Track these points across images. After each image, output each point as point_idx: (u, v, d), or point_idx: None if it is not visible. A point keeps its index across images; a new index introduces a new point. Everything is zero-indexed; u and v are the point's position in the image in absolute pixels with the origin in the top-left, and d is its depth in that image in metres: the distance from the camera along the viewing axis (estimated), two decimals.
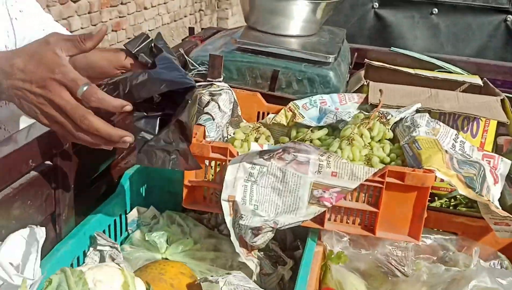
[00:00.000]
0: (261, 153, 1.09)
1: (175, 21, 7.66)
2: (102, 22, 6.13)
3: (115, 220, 1.26)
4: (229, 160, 1.13)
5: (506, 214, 1.19)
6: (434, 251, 1.29)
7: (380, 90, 1.47)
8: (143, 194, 1.41)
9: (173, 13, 7.53)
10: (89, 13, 5.87)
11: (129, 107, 0.88)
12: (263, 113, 1.52)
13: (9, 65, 0.87)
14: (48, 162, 1.01)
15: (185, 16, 8.00)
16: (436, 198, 1.55)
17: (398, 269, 1.18)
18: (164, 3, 7.19)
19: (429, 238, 1.28)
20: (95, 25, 5.99)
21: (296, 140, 1.39)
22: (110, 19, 6.25)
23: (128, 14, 6.38)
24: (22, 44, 1.15)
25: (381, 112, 1.40)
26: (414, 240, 1.16)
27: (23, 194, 0.94)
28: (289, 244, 1.34)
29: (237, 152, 1.14)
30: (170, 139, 0.93)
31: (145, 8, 6.69)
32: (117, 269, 0.82)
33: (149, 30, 6.78)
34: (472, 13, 2.18)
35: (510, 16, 2.14)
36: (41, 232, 0.83)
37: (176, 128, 0.93)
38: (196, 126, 1.23)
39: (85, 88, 0.84)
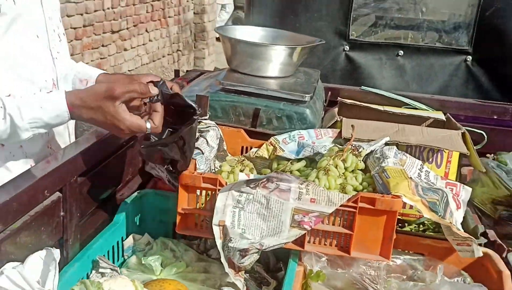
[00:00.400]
0: (248, 182, 1.22)
1: (153, 61, 7.83)
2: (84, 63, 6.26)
3: (113, 246, 1.37)
4: (219, 189, 1.25)
5: (466, 235, 1.33)
6: (403, 270, 1.41)
7: (352, 126, 1.61)
8: (137, 223, 1.52)
9: (152, 53, 7.71)
10: (71, 55, 5.99)
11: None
12: (247, 148, 1.66)
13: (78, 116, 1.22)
14: (58, 193, 1.13)
15: (163, 56, 8.18)
16: (406, 224, 1.68)
17: (371, 287, 1.30)
18: (143, 44, 7.37)
19: (399, 258, 1.41)
20: None
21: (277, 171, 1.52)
22: (91, 60, 6.39)
23: (108, 55, 6.53)
24: (62, 79, 1.47)
25: (353, 145, 1.54)
26: (385, 259, 1.29)
27: (38, 221, 1.05)
28: (272, 266, 1.46)
29: (226, 182, 1.27)
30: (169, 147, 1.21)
31: (125, 50, 6.85)
32: (129, 280, 0.93)
33: (128, 71, 6.93)
34: (434, 54, 2.35)
35: (469, 56, 2.32)
36: (57, 253, 0.94)
37: (178, 141, 1.21)
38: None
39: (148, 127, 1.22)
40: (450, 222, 1.34)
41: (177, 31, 9.15)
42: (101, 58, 6.49)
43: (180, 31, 9.31)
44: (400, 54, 2.38)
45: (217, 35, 1.80)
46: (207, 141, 1.48)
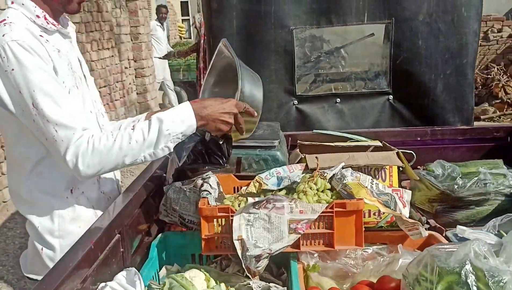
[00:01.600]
0: (254, 205, 1.60)
1: None
2: None
3: (152, 276, 1.69)
4: (231, 215, 1.63)
5: (413, 221, 1.74)
6: (373, 257, 1.78)
7: (316, 157, 2.03)
8: (164, 258, 1.85)
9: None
10: None
11: (256, 113, 1.81)
12: (237, 187, 2.04)
13: (205, 106, 1.67)
14: (118, 234, 1.46)
15: None
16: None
17: (354, 269, 1.69)
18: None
19: (368, 249, 1.79)
20: None
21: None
22: None
23: None
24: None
25: (319, 172, 1.95)
26: (360, 247, 1.68)
27: (111, 253, 1.37)
28: (275, 273, 1.81)
29: (235, 210, 1.64)
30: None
31: None
32: (200, 271, 1.27)
33: None
34: (364, 97, 2.75)
35: (390, 96, 2.74)
36: (136, 272, 1.28)
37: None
38: (202, 199, 1.72)
39: (245, 105, 1.73)
40: (400, 213, 1.76)
41: (124, 112, 9.52)
42: None
43: (127, 112, 9.68)
44: (337, 101, 2.78)
45: None
46: (210, 185, 1.85)
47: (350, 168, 1.96)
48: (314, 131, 2.59)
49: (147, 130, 1.59)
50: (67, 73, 1.66)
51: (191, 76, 10.67)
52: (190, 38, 19.24)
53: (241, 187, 2.03)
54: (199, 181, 1.87)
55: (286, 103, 2.76)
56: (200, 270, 1.30)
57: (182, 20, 21.02)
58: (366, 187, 1.81)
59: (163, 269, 1.76)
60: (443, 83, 2.65)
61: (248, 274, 1.60)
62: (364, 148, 2.37)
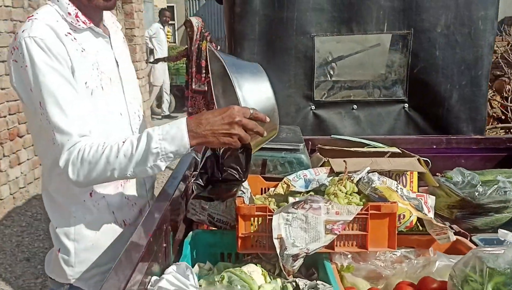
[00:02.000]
0: (293, 205, 1.62)
1: None
2: None
3: None
4: (269, 215, 1.63)
5: (443, 225, 1.78)
6: (401, 260, 1.82)
7: (345, 161, 2.05)
8: (194, 256, 1.85)
9: None
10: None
11: (268, 118, 1.53)
12: (264, 189, 2.05)
13: (200, 120, 1.48)
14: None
15: None
16: None
17: (386, 271, 1.71)
18: None
19: (397, 252, 1.82)
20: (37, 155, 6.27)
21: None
22: None
23: None
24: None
25: (348, 175, 1.97)
26: (392, 249, 1.70)
27: (159, 249, 1.38)
28: (304, 273, 1.82)
29: (273, 209, 1.65)
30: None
31: None
32: (256, 266, 1.27)
33: None
34: (380, 105, 2.80)
35: (406, 104, 2.80)
36: (187, 265, 1.28)
37: None
38: (238, 197, 1.72)
39: (251, 111, 1.49)
40: (431, 217, 1.79)
41: None
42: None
43: None
44: (354, 108, 2.82)
45: None
46: (243, 185, 1.86)
47: (376, 173, 1.99)
48: (332, 136, 2.61)
49: (136, 145, 1.48)
50: (90, 73, 1.62)
51: (179, 80, 10.70)
52: (175, 42, 19.04)
53: (268, 189, 2.04)
54: None
55: (303, 108, 2.79)
56: (256, 265, 1.31)
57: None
58: (396, 191, 1.83)
59: (196, 266, 1.76)
60: (458, 94, 2.70)
61: (285, 273, 1.61)
62: (382, 154, 2.39)
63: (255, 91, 1.60)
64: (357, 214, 1.65)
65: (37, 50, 1.50)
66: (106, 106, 1.65)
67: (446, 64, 2.68)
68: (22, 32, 1.53)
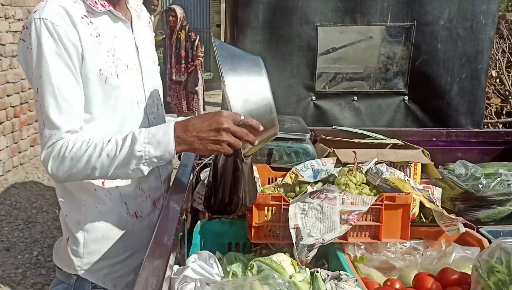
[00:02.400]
0: (310, 194, 1.59)
1: None
2: (22, 139, 6.29)
3: None
4: (284, 204, 1.60)
5: (454, 217, 1.77)
6: (410, 252, 1.81)
7: (354, 152, 2.02)
8: (203, 245, 1.81)
9: None
10: (12, 132, 6.02)
11: (261, 127, 1.43)
12: (272, 178, 2.02)
13: (187, 126, 1.41)
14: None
15: None
16: None
17: (398, 262, 1.69)
18: None
19: (406, 244, 1.80)
20: (17, 143, 6.13)
21: (301, 193, 1.89)
22: (28, 136, 6.41)
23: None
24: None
25: (357, 166, 1.95)
26: (405, 240, 1.69)
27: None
28: (314, 264, 1.80)
29: (288, 199, 1.62)
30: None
31: None
32: (285, 255, 1.24)
33: None
34: (380, 97, 2.79)
35: (406, 96, 2.79)
36: (210, 254, 1.24)
37: None
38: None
39: (242, 117, 1.39)
40: (442, 209, 1.78)
41: None
42: (35, 133, 6.53)
43: None
44: (355, 99, 2.80)
45: None
46: (254, 175, 1.82)
47: (384, 164, 1.97)
48: (334, 127, 2.59)
49: (120, 146, 1.43)
50: (105, 60, 1.53)
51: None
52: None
53: (275, 178, 2.01)
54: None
55: (304, 98, 2.76)
56: (285, 254, 1.28)
57: None
58: (408, 182, 1.82)
59: None
60: (458, 86, 2.70)
61: (299, 263, 1.58)
62: (383, 146, 2.38)
63: (249, 90, 1.46)
64: (373, 204, 1.64)
65: (45, 34, 1.43)
66: (121, 95, 1.57)
67: (448, 57, 2.68)
68: (34, 12, 1.46)
